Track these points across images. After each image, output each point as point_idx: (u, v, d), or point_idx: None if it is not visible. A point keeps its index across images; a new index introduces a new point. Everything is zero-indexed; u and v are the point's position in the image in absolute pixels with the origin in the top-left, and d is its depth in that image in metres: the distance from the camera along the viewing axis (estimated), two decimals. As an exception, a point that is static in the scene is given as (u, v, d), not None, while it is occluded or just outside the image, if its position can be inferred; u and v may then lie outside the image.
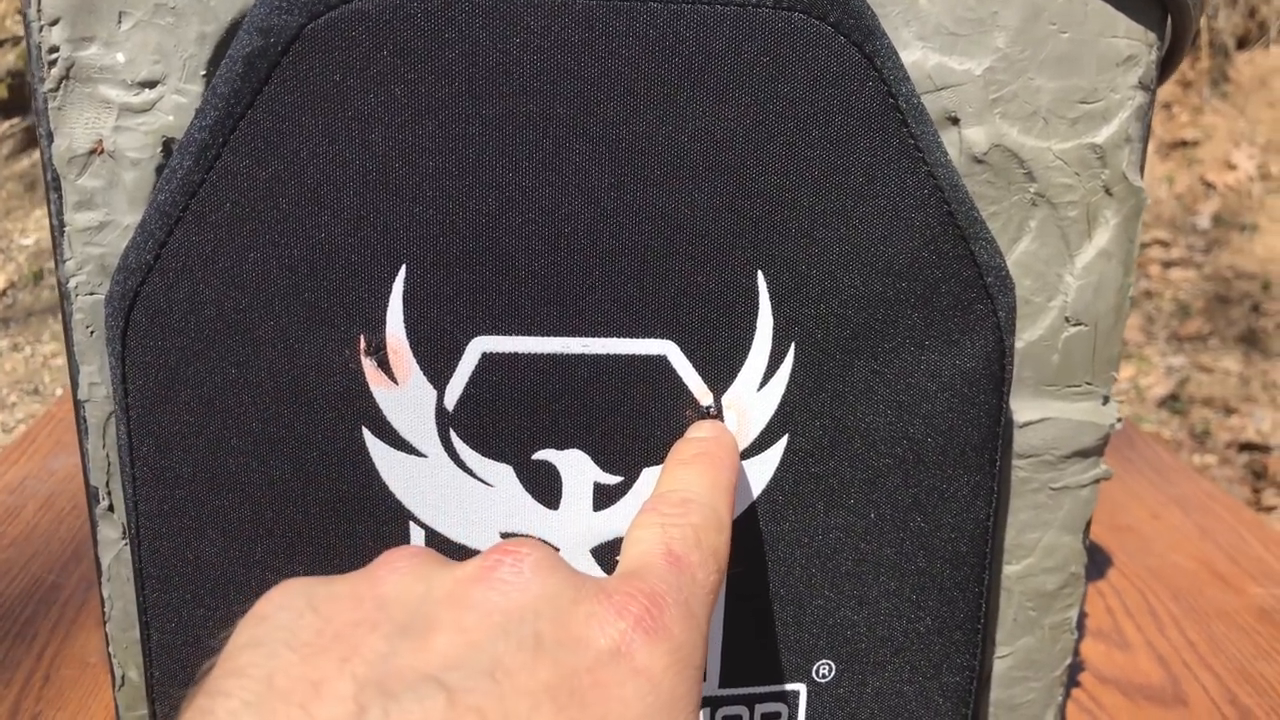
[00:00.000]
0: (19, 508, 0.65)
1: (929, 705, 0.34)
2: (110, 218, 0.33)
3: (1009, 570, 0.38)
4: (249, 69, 0.28)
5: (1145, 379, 2.40)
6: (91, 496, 0.35)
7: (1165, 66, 0.35)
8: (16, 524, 0.63)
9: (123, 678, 0.37)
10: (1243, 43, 3.26)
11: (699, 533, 0.26)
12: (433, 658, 0.21)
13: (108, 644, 0.37)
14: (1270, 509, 1.91)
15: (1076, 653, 0.53)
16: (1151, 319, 2.65)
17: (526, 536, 0.31)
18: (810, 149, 0.30)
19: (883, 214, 0.30)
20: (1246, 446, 2.11)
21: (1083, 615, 0.56)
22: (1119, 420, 0.37)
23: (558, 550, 0.31)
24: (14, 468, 0.70)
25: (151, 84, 0.31)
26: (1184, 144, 3.18)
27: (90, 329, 0.33)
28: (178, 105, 0.32)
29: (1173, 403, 2.30)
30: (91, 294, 0.33)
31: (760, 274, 0.30)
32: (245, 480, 0.30)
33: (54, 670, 0.50)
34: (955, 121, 0.33)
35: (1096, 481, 0.38)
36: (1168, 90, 3.28)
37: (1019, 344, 0.36)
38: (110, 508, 0.35)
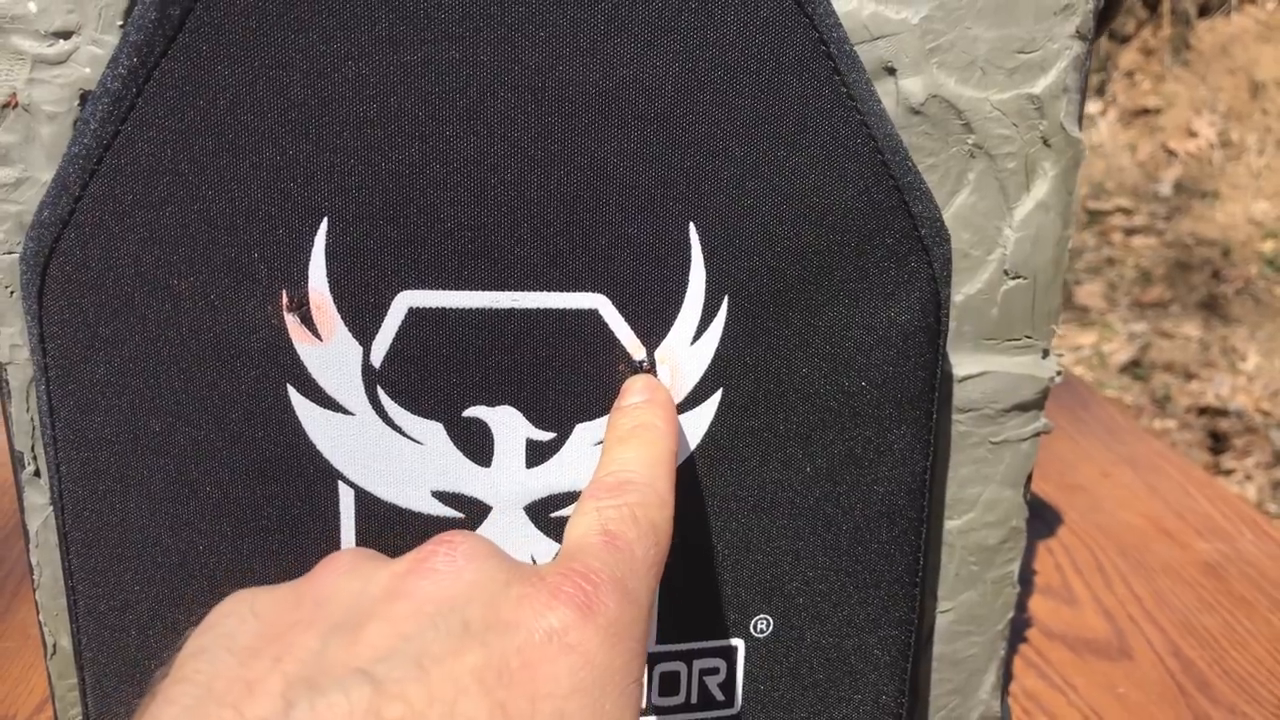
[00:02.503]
0: (-39, 480, 0.64)
1: (868, 659, 0.34)
2: (27, 174, 0.32)
3: (950, 525, 0.38)
4: (162, 15, 0.27)
5: (1108, 345, 2.42)
6: (16, 461, 0.34)
7: (1103, 18, 0.35)
8: (-42, 496, 0.62)
9: (54, 646, 0.36)
10: (1204, 10, 3.27)
11: (636, 510, 0.26)
12: (363, 650, 0.22)
13: (38, 612, 0.36)
14: (1229, 472, 1.93)
15: (1024, 609, 0.54)
16: (1114, 286, 2.67)
17: (460, 513, 0.31)
18: (740, 97, 0.29)
19: (815, 164, 0.30)
20: (1206, 411, 2.14)
21: (1031, 572, 0.57)
22: (1059, 373, 0.37)
23: (490, 508, 0.31)
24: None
25: (66, 34, 0.30)
26: (1146, 111, 3.20)
27: (9, 289, 0.33)
28: (94, 56, 0.31)
29: (1135, 369, 2.33)
30: (10, 253, 0.32)
31: (692, 225, 0.30)
32: (169, 441, 0.30)
33: (-6, 642, 0.49)
34: (892, 72, 0.33)
35: (1037, 435, 0.38)
36: (1130, 58, 3.30)
37: (958, 297, 0.36)
38: (37, 473, 0.34)
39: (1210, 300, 2.56)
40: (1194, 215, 2.88)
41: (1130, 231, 2.87)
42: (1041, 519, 0.62)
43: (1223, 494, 0.65)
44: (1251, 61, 3.15)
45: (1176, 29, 3.26)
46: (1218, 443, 2.05)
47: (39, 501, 0.34)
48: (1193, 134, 3.10)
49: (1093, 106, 3.23)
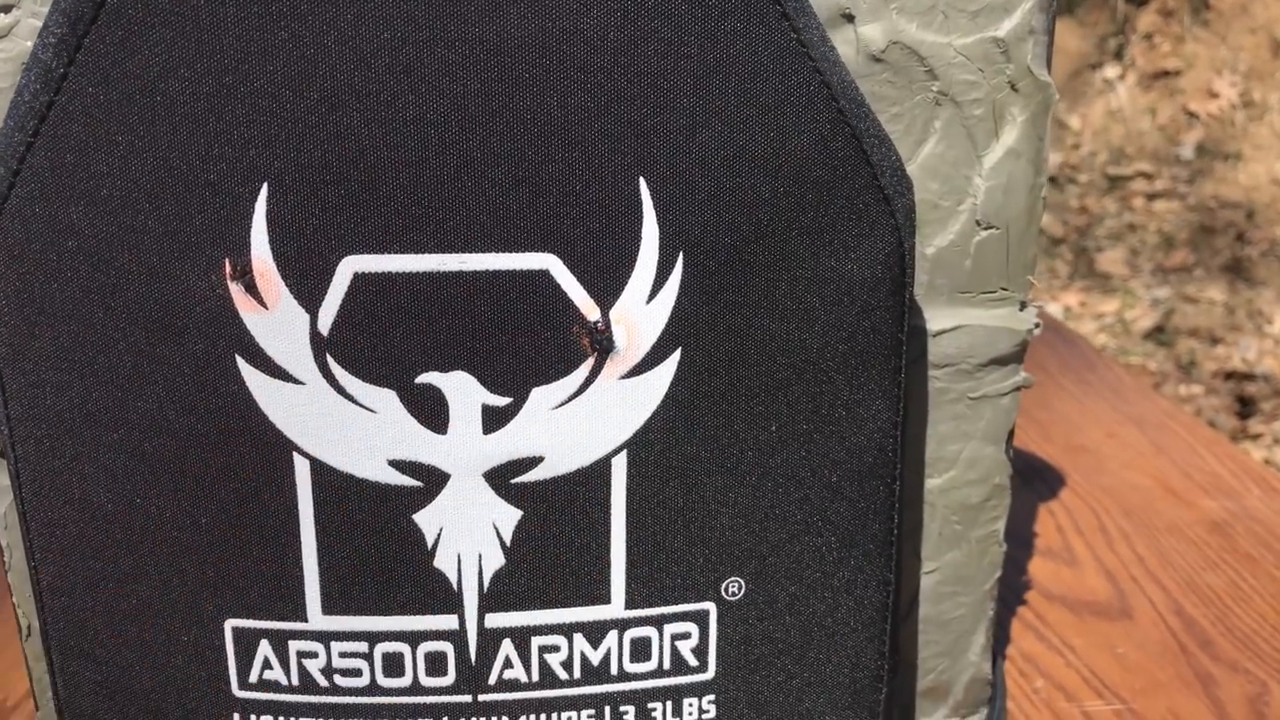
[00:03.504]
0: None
1: (844, 621, 0.34)
2: (-25, 152, 0.31)
3: (931, 484, 0.37)
4: None
5: (1131, 311, 2.39)
6: (-20, 443, 0.34)
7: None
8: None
9: (28, 628, 0.36)
10: (1223, -32, 3.21)
11: None
12: None
13: (11, 594, 0.36)
14: (1257, 436, 1.91)
15: (1024, 571, 0.53)
16: (1136, 252, 2.64)
17: (418, 481, 0.30)
18: (686, 47, 0.28)
19: (767, 114, 0.29)
20: (1232, 375, 2.11)
21: (1032, 535, 0.56)
22: (1037, 325, 0.36)
23: (449, 476, 0.30)
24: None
25: (7, 8, 0.30)
26: (1166, 74, 3.15)
27: (-37, 269, 0.32)
28: (35, 30, 0.30)
29: (1159, 335, 2.30)
30: (-38, 233, 0.32)
31: (642, 180, 0.29)
32: (121, 415, 0.29)
33: (-14, 629, 0.49)
34: (850, 19, 0.32)
35: (1017, 389, 0.37)
36: (1148, 20, 3.24)
37: (929, 250, 0.35)
38: (1, 453, 0.34)
39: (1235, 263, 2.52)
40: (1217, 178, 2.83)
41: (1152, 196, 2.83)
42: (1044, 481, 0.61)
43: (1231, 452, 0.64)
44: (1272, 20, 3.09)
45: (1195, -11, 3.20)
46: (1245, 407, 2.02)
47: (4, 482, 0.34)
48: (1214, 95, 3.05)
49: (1111, 71, 3.18)
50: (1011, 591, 0.51)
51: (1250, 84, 3.03)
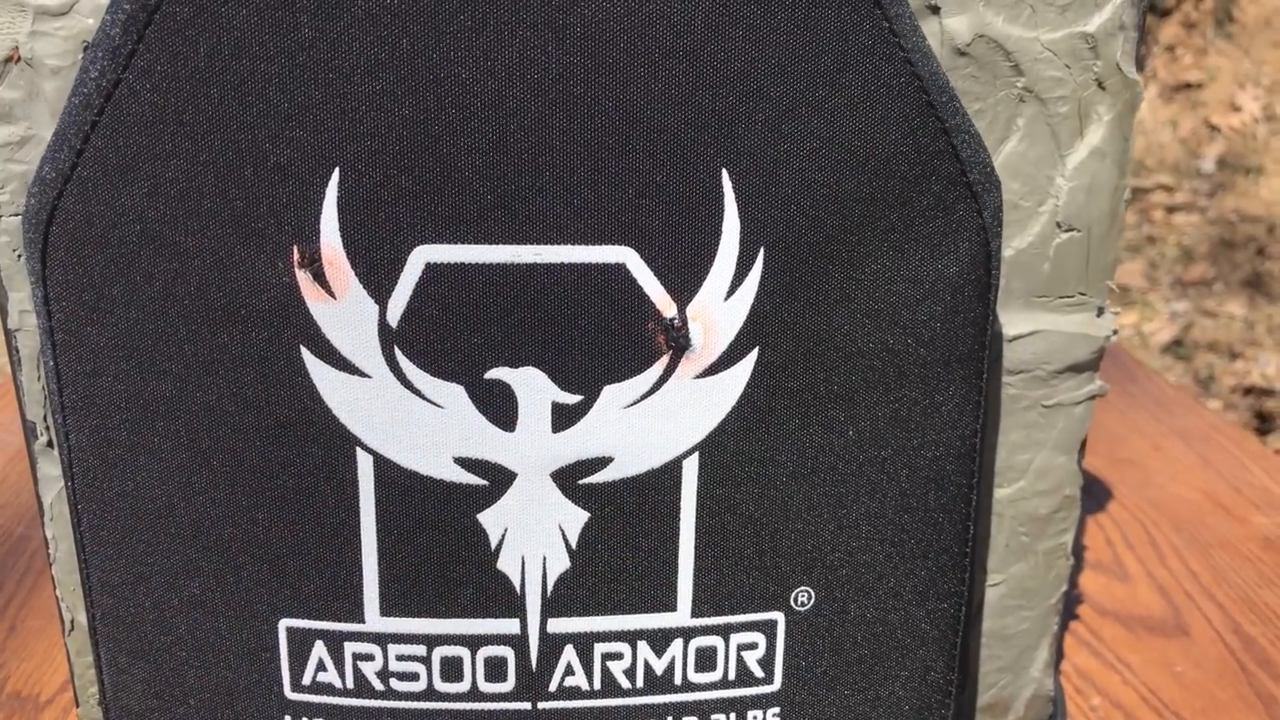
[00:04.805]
0: (-11, 462, 0.63)
1: (915, 633, 0.33)
2: (32, 132, 0.30)
3: (1000, 493, 0.36)
4: None
5: (1149, 325, 2.37)
6: (29, 432, 0.33)
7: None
8: (-14, 478, 0.61)
9: (71, 622, 0.35)
10: (1247, -19, 3.19)
11: None
12: None
13: (55, 588, 0.35)
14: (1276, 453, 1.89)
15: (1075, 585, 0.52)
16: (1155, 265, 2.62)
17: (484, 480, 0.29)
18: (775, 34, 0.27)
19: (856, 105, 0.28)
20: (1251, 391, 2.09)
21: (1081, 548, 0.55)
22: (1115, 332, 0.35)
23: (515, 475, 0.29)
24: (-14, 422, 0.69)
25: (68, -16, 0.29)
26: (1188, 86, 3.13)
27: (17, 252, 0.31)
28: (97, 6, 0.29)
29: (1177, 348, 2.28)
30: (16, 215, 0.31)
31: (725, 172, 0.28)
32: (179, 405, 0.28)
33: (19, 621, 0.49)
34: (935, 10, 0.31)
35: (1092, 398, 0.36)
36: (1171, 32, 3.22)
37: (1007, 252, 0.34)
38: (50, 443, 0.33)
39: (1255, 278, 2.50)
40: (1238, 191, 2.82)
41: (1171, 209, 2.81)
42: (1090, 494, 0.59)
43: (1280, 467, 0.63)
44: (1297, 33, 3.07)
45: (1219, 1, 3.18)
46: (1264, 423, 2.00)
47: (52, 473, 0.33)
48: (1236, 108, 3.03)
49: (1132, 82, 3.16)
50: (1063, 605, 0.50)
51: (1273, 98, 3.01)
